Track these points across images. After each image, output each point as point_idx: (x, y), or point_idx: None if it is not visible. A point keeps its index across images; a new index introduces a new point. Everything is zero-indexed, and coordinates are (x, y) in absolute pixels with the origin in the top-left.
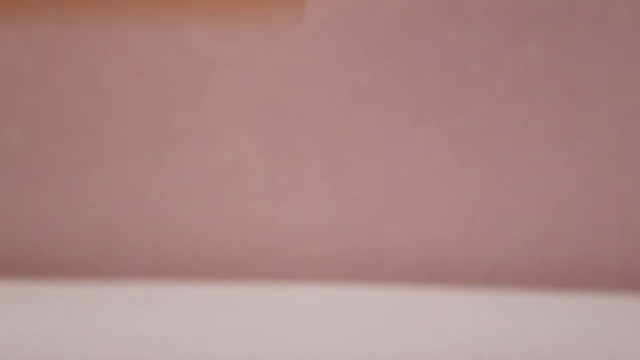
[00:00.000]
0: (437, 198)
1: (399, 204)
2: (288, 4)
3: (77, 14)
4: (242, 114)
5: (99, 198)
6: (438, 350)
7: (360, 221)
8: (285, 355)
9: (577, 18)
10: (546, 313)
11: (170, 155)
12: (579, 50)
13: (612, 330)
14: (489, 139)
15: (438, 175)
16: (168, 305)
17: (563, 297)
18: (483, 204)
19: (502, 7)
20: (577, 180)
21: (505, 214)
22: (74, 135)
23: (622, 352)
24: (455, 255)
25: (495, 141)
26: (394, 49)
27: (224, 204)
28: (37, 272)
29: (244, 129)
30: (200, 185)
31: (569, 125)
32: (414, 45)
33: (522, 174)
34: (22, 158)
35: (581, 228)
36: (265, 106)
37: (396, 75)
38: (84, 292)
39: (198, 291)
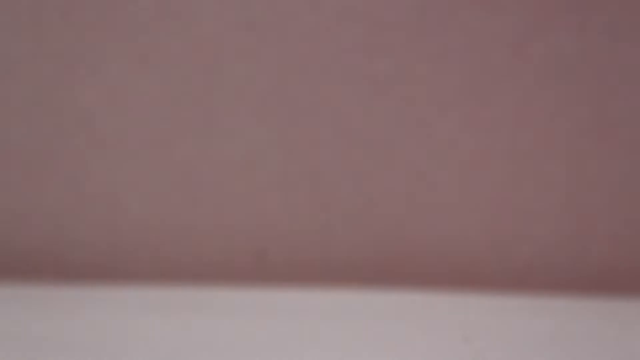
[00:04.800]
0: (461, 195)
1: (421, 201)
2: None
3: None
4: (255, 106)
5: (101, 196)
6: None
7: (380, 220)
8: None
9: (609, 2)
10: (579, 319)
11: (179, 150)
12: (611, 37)
13: None
14: (516, 132)
15: (462, 171)
16: (174, 310)
17: (597, 302)
18: (510, 201)
19: None
20: (611, 175)
21: (534, 213)
22: (74, 129)
23: None
24: (480, 257)
25: (523, 135)
26: (415, 37)
27: (236, 201)
28: (35, 274)
29: (257, 122)
30: (210, 182)
31: (602, 116)
32: (437, 33)
33: (552, 170)
34: (19, 153)
35: (617, 227)
36: (279, 97)
37: (418, 65)
38: (85, 294)
39: (206, 295)
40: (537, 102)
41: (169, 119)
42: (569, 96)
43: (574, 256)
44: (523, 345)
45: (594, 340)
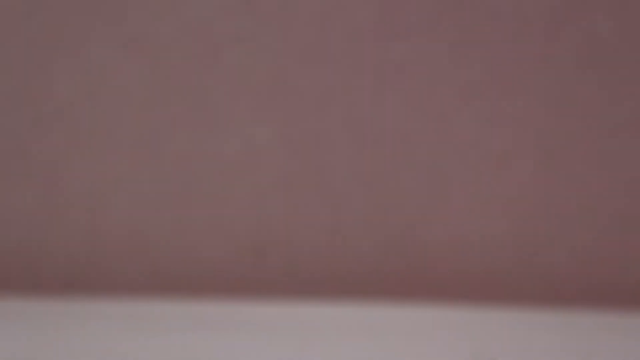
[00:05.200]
0: (487, 196)
1: (441, 203)
2: None
3: None
4: (254, 97)
5: (82, 198)
6: None
7: (395, 224)
8: None
9: None
10: (619, 335)
11: (169, 147)
12: None
13: None
14: (549, 125)
15: (485, 171)
16: (163, 324)
17: (632, 318)
18: (542, 203)
19: None
20: None
21: (569, 216)
22: (55, 122)
23: None
24: (503, 267)
25: (555, 131)
26: (434, 20)
27: (233, 204)
28: (4, 285)
29: (257, 116)
30: (204, 182)
31: (629, 104)
32: (458, 15)
33: (588, 168)
34: None
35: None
36: (282, 88)
37: (436, 51)
38: (62, 308)
39: (199, 307)
40: (571, 94)
41: (157, 113)
42: (607, 87)
43: (613, 267)
44: None
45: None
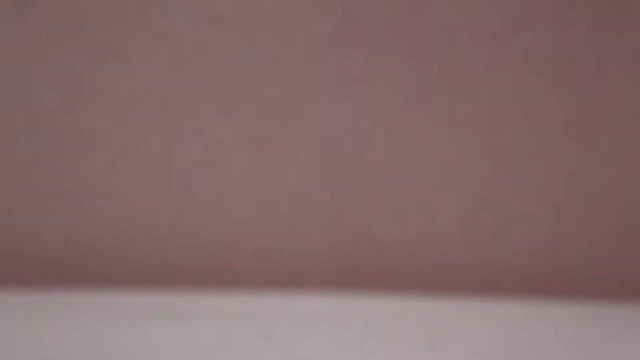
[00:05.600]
0: (437, 196)
1: (396, 202)
2: None
3: None
4: (221, 103)
5: (59, 197)
6: None
7: (353, 222)
8: None
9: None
10: (556, 324)
11: (141, 148)
12: (596, 31)
13: (625, 341)
14: (495, 131)
15: (438, 171)
16: (132, 316)
17: (574, 306)
18: (488, 202)
19: None
20: (592, 176)
21: (512, 214)
22: (32, 125)
23: None
24: (456, 259)
25: (502, 133)
26: (391, 31)
27: (200, 202)
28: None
29: (223, 120)
30: (174, 182)
31: (585, 115)
32: (413, 27)
33: (531, 170)
34: None
35: (595, 229)
36: (247, 94)
37: (393, 60)
38: (42, 301)
39: (171, 299)
40: (518, 99)
41: (130, 117)
42: (552, 93)
43: (552, 258)
44: (491, 351)
45: (570, 346)
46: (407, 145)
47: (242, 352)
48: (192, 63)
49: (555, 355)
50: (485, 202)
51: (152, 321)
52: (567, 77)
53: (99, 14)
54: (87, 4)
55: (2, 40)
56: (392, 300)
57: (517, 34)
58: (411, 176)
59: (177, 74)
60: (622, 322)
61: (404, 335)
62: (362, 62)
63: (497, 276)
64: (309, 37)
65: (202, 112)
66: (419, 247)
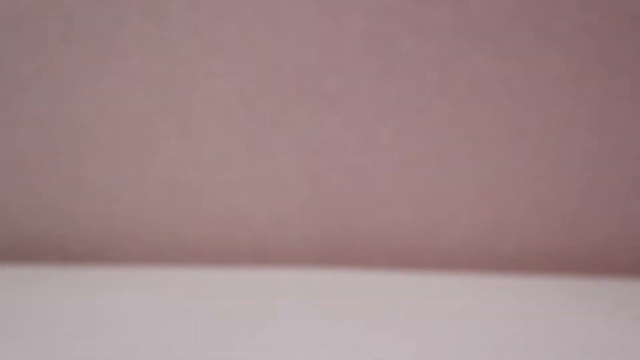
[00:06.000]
0: (398, 190)
1: (365, 195)
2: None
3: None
4: (226, 117)
5: (98, 192)
6: (397, 325)
7: (330, 211)
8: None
9: (521, 31)
10: (491, 294)
11: (162, 153)
12: (522, 60)
13: (550, 307)
14: (444, 138)
15: (399, 170)
16: (159, 288)
17: (508, 279)
18: (438, 196)
19: (455, 22)
20: (521, 174)
21: (457, 205)
22: (76, 136)
23: (555, 329)
24: (412, 240)
25: (450, 140)
26: (360, 59)
27: (209, 195)
28: (42, 257)
29: (227, 131)
30: (188, 179)
31: (514, 126)
32: (377, 56)
33: (473, 169)
34: (32, 158)
35: (525, 217)
36: (246, 110)
37: (361, 82)
38: (84, 275)
39: (185, 274)
40: (462, 113)
41: (154, 128)
42: (488, 109)
43: (490, 241)
44: (441, 317)
45: (508, 314)
46: (374, 150)
47: (241, 316)
48: (201, 85)
49: (489, 320)
50: (435, 196)
51: (168, 292)
52: (500, 95)
53: (127, 46)
54: (118, 37)
55: (52, 66)
56: (363, 274)
57: (459, 62)
58: (377, 175)
59: (190, 94)
60: (546, 293)
61: (373, 302)
62: (337, 84)
63: (445, 255)
64: (294, 65)
65: (210, 124)
66: (383, 231)
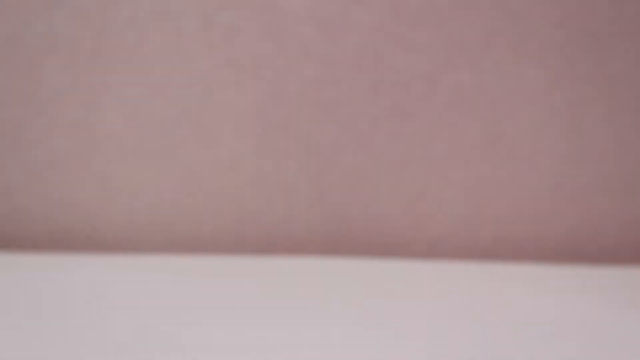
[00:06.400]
0: (389, 188)
1: (360, 192)
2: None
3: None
4: (236, 123)
5: (123, 188)
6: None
7: (329, 206)
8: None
9: (498, 47)
10: (472, 279)
11: (181, 155)
12: (498, 73)
13: (523, 289)
14: (428, 142)
15: (390, 171)
16: (175, 273)
17: (487, 266)
18: (425, 192)
19: (439, 40)
20: (497, 174)
21: (442, 201)
22: (105, 141)
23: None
24: (401, 231)
25: (434, 144)
26: (354, 72)
27: (222, 192)
28: (72, 245)
29: (238, 135)
30: (203, 178)
31: (491, 131)
32: (370, 69)
33: (455, 170)
34: (67, 161)
35: (501, 211)
36: (255, 117)
37: (356, 92)
38: (110, 261)
39: (197, 262)
40: (445, 121)
41: (173, 133)
42: (468, 117)
43: (470, 232)
44: (427, 298)
45: (487, 297)
46: (368, 152)
47: (251, 299)
48: (215, 95)
49: (471, 301)
50: (422, 193)
51: (185, 278)
52: (479, 104)
53: (149, 60)
54: (141, 53)
55: (83, 78)
56: (359, 262)
57: (442, 75)
58: (371, 175)
59: (205, 103)
60: (519, 278)
61: (368, 285)
62: (335, 94)
63: (431, 245)
64: (297, 77)
65: (223, 129)
66: (377, 224)
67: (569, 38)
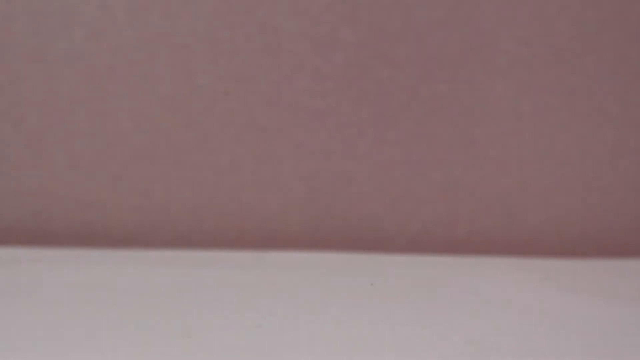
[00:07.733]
0: (374, 189)
1: (348, 192)
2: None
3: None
4: (237, 130)
5: (135, 189)
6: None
7: (320, 205)
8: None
9: (471, 62)
10: (448, 271)
11: (187, 158)
12: (472, 85)
13: (493, 280)
14: (410, 147)
15: (375, 173)
16: (181, 265)
17: (462, 260)
18: (406, 192)
19: (418, 55)
20: (470, 175)
21: (421, 201)
22: (117, 144)
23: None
24: (386, 226)
25: (415, 149)
26: (343, 84)
27: (224, 193)
28: (87, 240)
29: (238, 141)
30: (207, 179)
31: (465, 137)
32: (356, 82)
33: (432, 172)
34: (84, 167)
35: (475, 209)
36: (253, 125)
37: (344, 103)
38: (119, 255)
39: (204, 255)
40: (425, 125)
41: (179, 139)
42: (444, 123)
43: (447, 228)
44: (408, 288)
45: (461, 286)
46: (354, 157)
47: (250, 289)
48: (217, 105)
49: (447, 291)
50: (403, 193)
51: (190, 270)
52: (454, 113)
53: (159, 74)
54: (151, 67)
55: (100, 89)
56: (347, 256)
57: (421, 86)
58: (357, 177)
59: (209, 112)
60: (490, 269)
61: (355, 277)
62: (325, 104)
63: (411, 240)
64: (291, 88)
65: (224, 136)
66: (363, 221)
67: (534, 54)
